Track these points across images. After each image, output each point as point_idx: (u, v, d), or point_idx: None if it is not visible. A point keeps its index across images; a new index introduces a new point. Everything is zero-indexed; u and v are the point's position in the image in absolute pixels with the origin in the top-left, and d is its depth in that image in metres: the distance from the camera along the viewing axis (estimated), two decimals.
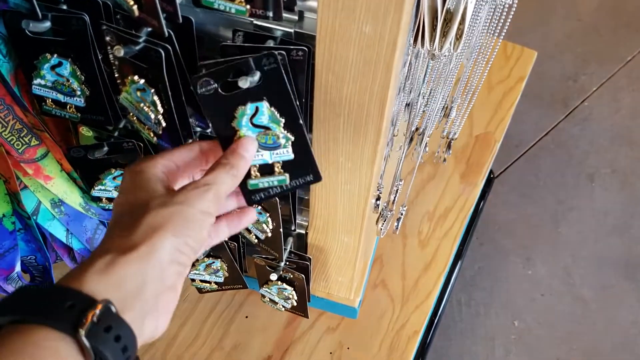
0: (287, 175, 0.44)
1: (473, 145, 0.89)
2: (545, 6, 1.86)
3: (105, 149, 0.51)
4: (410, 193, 0.75)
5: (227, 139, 0.42)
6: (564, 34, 1.81)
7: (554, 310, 1.30)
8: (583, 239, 1.39)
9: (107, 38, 0.41)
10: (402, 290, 0.76)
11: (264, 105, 0.41)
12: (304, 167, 0.44)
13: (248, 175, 0.44)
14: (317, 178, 0.45)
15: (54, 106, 0.47)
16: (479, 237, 1.38)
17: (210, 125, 0.42)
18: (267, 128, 0.42)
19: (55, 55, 0.42)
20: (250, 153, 0.42)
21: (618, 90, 1.69)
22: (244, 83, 0.38)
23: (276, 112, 0.41)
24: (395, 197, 0.66)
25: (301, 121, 0.42)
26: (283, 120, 0.42)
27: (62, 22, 0.42)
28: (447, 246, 0.79)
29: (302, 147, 0.43)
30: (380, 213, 0.68)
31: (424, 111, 0.61)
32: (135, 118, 0.45)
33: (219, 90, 0.39)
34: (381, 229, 0.69)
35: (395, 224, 0.67)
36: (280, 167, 0.44)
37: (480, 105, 0.94)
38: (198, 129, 0.51)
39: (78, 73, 0.44)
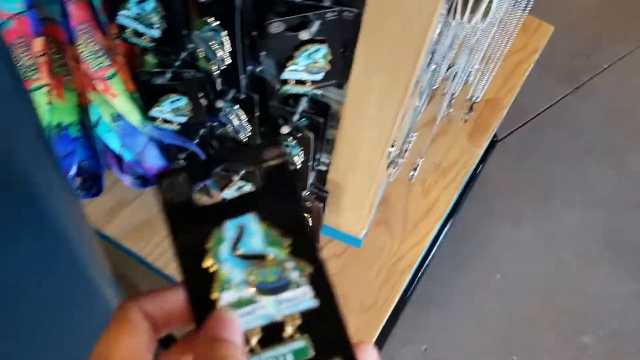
0: (307, 339, 0.28)
1: (483, 109, 0.97)
2: None
3: (168, 75, 0.59)
4: (420, 146, 0.84)
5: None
6: (582, 9, 1.86)
7: (533, 269, 1.41)
8: (571, 208, 1.49)
9: None
10: (402, 230, 0.85)
11: (252, 220, 0.29)
12: (331, 329, 0.28)
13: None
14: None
15: (132, 35, 0.54)
16: (473, 195, 1.48)
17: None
18: (261, 256, 0.29)
19: None
20: (238, 334, 0.27)
21: (627, 71, 1.75)
22: (305, 35, 0.46)
23: (273, 229, 0.29)
24: (408, 147, 0.74)
25: (317, 244, 0.30)
26: (289, 242, 0.29)
27: None
28: (447, 196, 0.88)
29: (326, 291, 0.28)
30: (392, 159, 0.76)
31: (447, 74, 0.68)
32: (202, 53, 0.53)
33: (285, 31, 0.44)
34: (390, 174, 0.77)
35: (412, 172, 0.76)
36: (295, 325, 0.28)
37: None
38: (249, 67, 0.59)
39: (159, 9, 0.51)
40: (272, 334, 0.27)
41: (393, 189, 0.88)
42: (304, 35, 0.46)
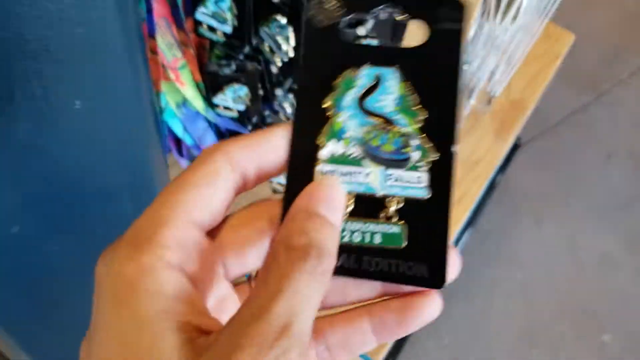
0: (403, 228, 0.24)
1: (508, 109, 1.04)
2: None
3: (233, 67, 0.67)
4: None
5: (309, 114, 0.25)
6: (606, 21, 1.91)
7: (555, 268, 1.46)
8: (591, 210, 1.54)
9: None
10: None
11: (393, 76, 0.24)
12: (434, 229, 0.23)
13: None
14: (436, 280, 0.23)
15: (207, 30, 0.63)
16: (499, 196, 1.54)
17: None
18: (388, 120, 0.24)
19: None
20: (340, 214, 0.23)
21: None
22: (361, 31, 0.53)
23: (413, 96, 0.24)
24: None
25: (457, 134, 0.24)
26: (424, 117, 0.24)
27: None
28: (476, 188, 0.95)
29: (443, 187, 0.24)
30: None
31: (475, 71, 0.76)
32: (268, 47, 0.61)
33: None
34: None
35: None
36: (395, 208, 0.24)
37: (518, 74, 1.08)
38: None
39: (233, 8, 0.59)
40: (366, 208, 0.24)
41: None
42: (361, 31, 0.53)
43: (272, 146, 0.24)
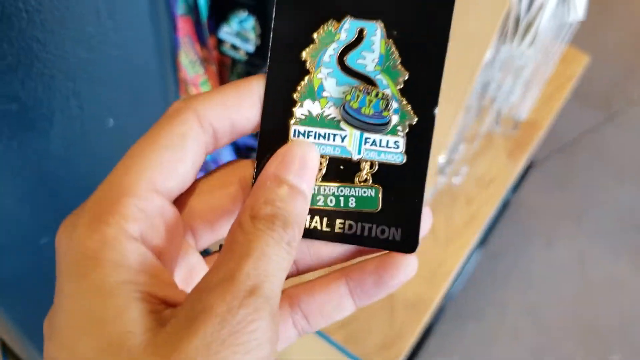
0: (377, 192, 0.23)
1: (522, 129, 1.05)
2: (603, 13, 1.97)
3: None
4: (466, 158, 0.92)
5: (282, 76, 0.23)
6: (617, 42, 1.92)
7: (564, 288, 1.46)
8: (603, 230, 1.54)
9: None
10: (445, 235, 0.93)
11: (377, 32, 0.23)
12: (408, 195, 0.23)
13: None
14: (409, 244, 0.23)
15: (230, 48, 0.64)
16: (510, 216, 1.54)
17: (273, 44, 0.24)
18: (368, 80, 0.23)
19: (247, 13, 0.59)
20: (311, 184, 0.22)
21: None
22: None
23: (396, 54, 0.23)
24: (455, 157, 0.83)
25: (439, 99, 0.23)
26: (405, 77, 0.23)
27: None
28: (489, 207, 0.96)
29: (420, 152, 0.23)
30: (441, 168, 0.84)
31: (494, 94, 0.77)
32: None
33: None
34: (437, 182, 0.85)
35: (456, 177, 0.84)
36: (370, 173, 0.23)
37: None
38: None
39: (256, 27, 0.61)
40: (341, 171, 0.23)
41: (439, 198, 0.96)
42: None
43: (247, 101, 0.22)
